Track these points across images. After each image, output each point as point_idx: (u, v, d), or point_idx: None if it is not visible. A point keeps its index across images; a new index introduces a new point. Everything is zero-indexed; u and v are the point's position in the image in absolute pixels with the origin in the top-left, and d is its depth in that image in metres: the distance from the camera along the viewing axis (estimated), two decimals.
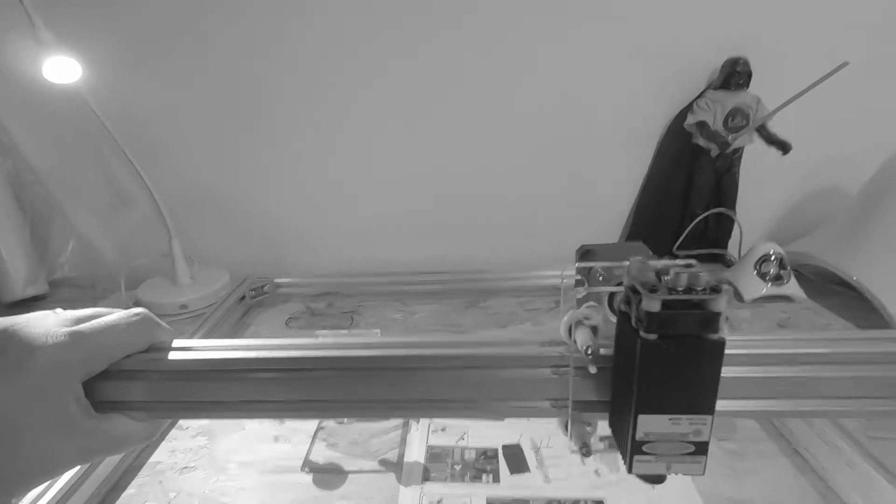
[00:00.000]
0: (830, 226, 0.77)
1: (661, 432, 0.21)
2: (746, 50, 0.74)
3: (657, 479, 0.24)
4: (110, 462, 0.44)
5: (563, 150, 0.80)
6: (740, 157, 0.79)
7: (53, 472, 0.23)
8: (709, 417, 0.21)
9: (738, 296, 0.72)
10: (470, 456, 0.45)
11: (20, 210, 0.77)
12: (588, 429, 0.26)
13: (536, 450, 0.46)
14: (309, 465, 0.45)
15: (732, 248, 0.83)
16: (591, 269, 0.27)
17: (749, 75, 0.73)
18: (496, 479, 0.42)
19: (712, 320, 0.20)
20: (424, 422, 0.49)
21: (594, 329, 0.23)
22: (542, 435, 0.47)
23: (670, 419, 0.21)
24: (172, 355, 0.26)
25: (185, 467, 0.46)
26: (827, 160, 0.83)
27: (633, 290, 0.21)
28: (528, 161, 0.81)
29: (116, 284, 0.77)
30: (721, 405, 0.22)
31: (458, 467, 0.44)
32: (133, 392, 0.25)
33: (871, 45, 0.73)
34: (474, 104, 0.77)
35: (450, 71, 0.75)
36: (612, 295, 0.25)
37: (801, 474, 0.42)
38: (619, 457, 0.43)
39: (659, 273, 0.21)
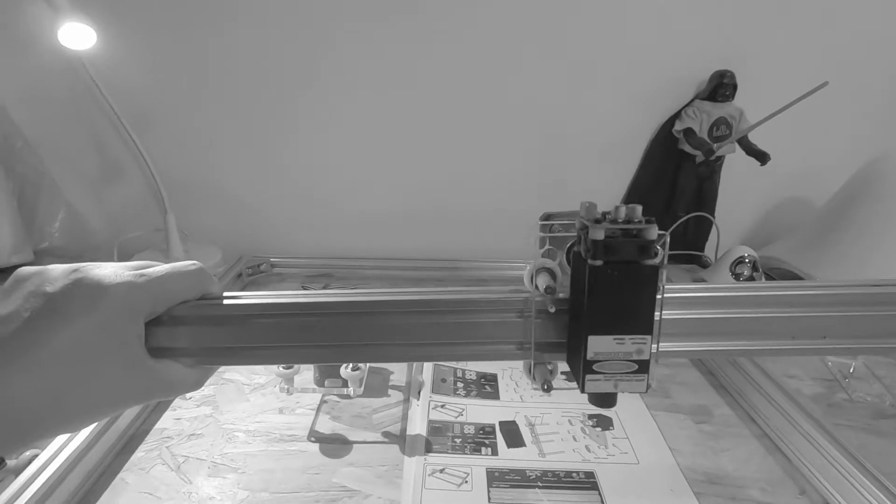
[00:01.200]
0: (799, 233, 0.83)
1: (608, 351, 0.24)
2: (733, 63, 0.78)
3: (608, 402, 0.27)
4: (117, 426, 0.45)
5: (552, 150, 0.84)
6: (721, 164, 0.84)
7: (116, 407, 0.24)
8: (648, 337, 0.24)
9: None
10: (469, 430, 0.48)
11: (8, 176, 0.75)
12: (548, 367, 0.28)
13: (531, 426, 0.49)
14: (314, 435, 0.47)
15: (709, 251, 0.88)
16: (551, 225, 0.30)
17: (734, 87, 0.78)
18: (494, 452, 0.45)
19: (647, 247, 0.23)
20: (425, 398, 0.51)
21: (552, 273, 0.27)
22: (536, 413, 0.51)
23: (615, 339, 0.24)
24: (226, 302, 0.27)
25: (192, 434, 0.47)
26: (798, 172, 0.89)
27: (583, 227, 0.24)
28: (516, 161, 0.83)
29: (104, 256, 0.76)
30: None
31: (458, 440, 0.47)
32: (185, 338, 0.26)
33: (844, 67, 0.79)
34: (465, 104, 0.79)
35: (445, 70, 0.77)
36: (569, 250, 0.29)
37: (768, 454, 0.46)
38: (608, 435, 0.47)
39: (604, 213, 0.25)
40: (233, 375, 0.55)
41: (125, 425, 0.46)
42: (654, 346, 0.25)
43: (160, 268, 0.26)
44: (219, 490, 0.41)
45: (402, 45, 0.75)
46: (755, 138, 0.79)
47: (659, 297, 0.24)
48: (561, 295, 0.27)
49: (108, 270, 0.24)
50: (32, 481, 0.37)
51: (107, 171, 0.81)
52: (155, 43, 0.74)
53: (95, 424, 0.43)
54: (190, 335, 0.26)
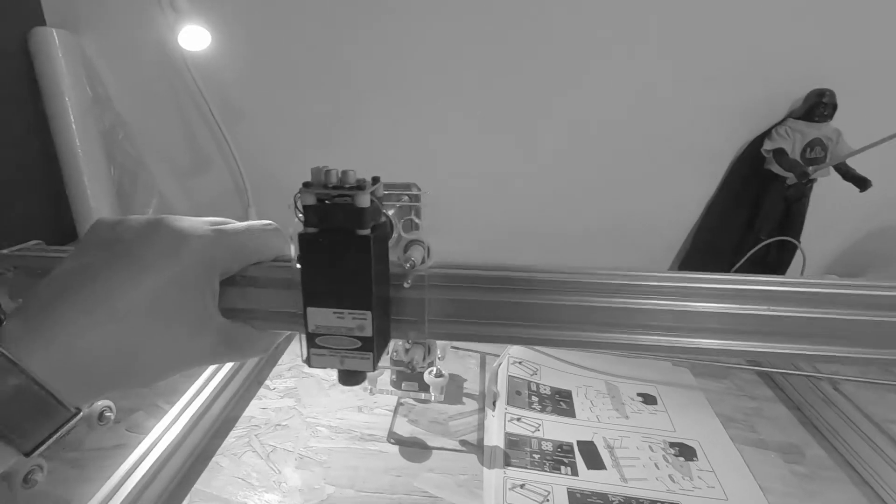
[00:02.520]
0: (893, 265, 0.78)
1: (330, 325, 0.23)
2: (833, 82, 0.74)
3: (352, 380, 0.25)
4: (213, 411, 0.47)
5: (629, 163, 0.81)
6: (812, 187, 0.79)
7: (188, 363, 0.24)
8: (368, 313, 0.23)
9: None
10: (547, 447, 0.47)
11: (110, 165, 0.80)
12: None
13: (611, 449, 0.48)
14: (394, 437, 0.48)
15: (790, 277, 0.84)
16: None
17: (834, 107, 0.73)
18: (574, 473, 0.45)
19: (357, 214, 0.22)
20: (500, 410, 0.51)
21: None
22: (614, 435, 0.50)
23: (335, 313, 0.23)
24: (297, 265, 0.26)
25: (278, 425, 0.49)
26: (893, 201, 0.83)
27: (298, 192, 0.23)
28: (586, 172, 0.82)
29: None
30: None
31: (536, 456, 0.46)
32: (256, 300, 0.26)
33: None
34: (534, 113, 0.78)
35: (517, 79, 0.76)
36: None
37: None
38: (692, 466, 0.45)
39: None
40: (313, 370, 0.57)
41: (219, 411, 0.48)
42: (424, 325, 0.24)
43: (238, 224, 0.25)
44: (306, 483, 0.42)
45: (490, 51, 0.75)
46: (853, 162, 0.74)
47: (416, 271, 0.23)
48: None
49: (188, 223, 0.23)
50: (141, 461, 0.39)
51: (197, 163, 0.85)
52: (253, 42, 0.77)
53: (195, 408, 0.45)
54: (261, 297, 0.26)
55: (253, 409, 0.51)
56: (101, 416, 0.29)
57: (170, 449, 0.41)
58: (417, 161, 0.84)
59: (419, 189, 0.29)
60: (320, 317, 0.23)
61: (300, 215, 0.23)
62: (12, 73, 0.73)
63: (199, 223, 0.24)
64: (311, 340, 0.24)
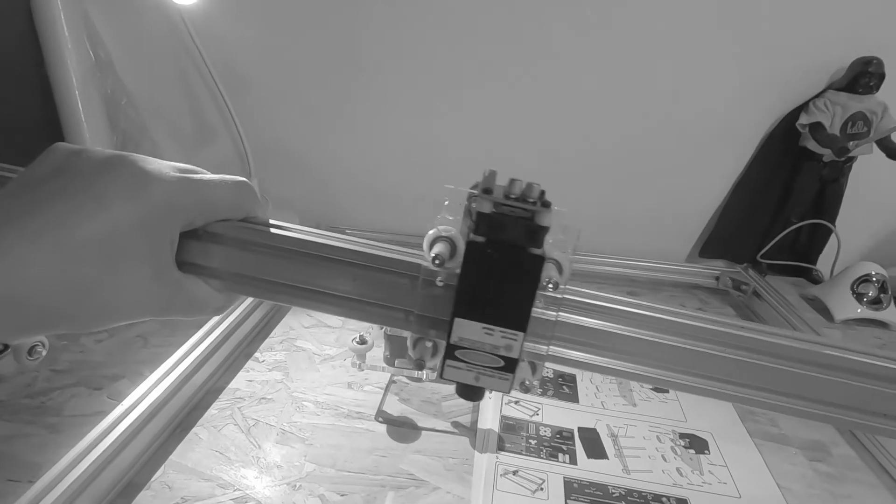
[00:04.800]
0: None
1: (474, 339, 0.22)
2: (881, 50, 0.67)
3: (473, 395, 0.24)
4: (195, 382, 0.45)
5: (652, 141, 0.76)
6: (851, 166, 0.73)
7: (135, 313, 0.22)
8: (520, 335, 0.22)
9: (827, 314, 0.68)
10: (545, 433, 0.44)
11: (112, 131, 0.79)
12: (428, 345, 0.25)
13: (614, 437, 0.44)
14: (382, 416, 0.46)
15: (821, 264, 0.78)
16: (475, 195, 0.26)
17: (882, 78, 0.67)
18: (573, 461, 0.41)
19: (536, 232, 0.21)
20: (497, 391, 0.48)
21: (451, 243, 0.23)
22: (619, 423, 0.46)
23: (484, 328, 0.22)
24: (270, 231, 0.25)
25: (263, 398, 0.47)
26: None
27: (473, 197, 0.21)
28: (613, 151, 0.77)
29: None
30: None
31: (533, 442, 0.43)
32: (217, 258, 0.24)
33: None
34: (562, 87, 0.73)
35: (546, 53, 0.71)
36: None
37: None
38: (703, 459, 0.42)
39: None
40: (304, 344, 0.55)
41: (202, 381, 0.46)
42: (546, 348, 0.23)
43: (209, 175, 0.23)
44: (286, 459, 0.40)
45: (485, 28, 0.71)
46: None
47: (550, 293, 0.22)
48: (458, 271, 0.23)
49: (154, 165, 0.21)
50: (113, 428, 0.37)
51: (200, 131, 0.83)
52: (256, 8, 0.74)
53: (174, 377, 0.43)
54: (223, 256, 0.24)
55: (239, 381, 0.49)
56: (31, 350, 0.27)
57: (144, 417, 0.39)
58: (425, 144, 0.80)
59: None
60: (467, 329, 0.22)
61: (469, 222, 0.22)
62: (16, 36, 0.71)
63: (166, 167, 0.22)
64: (451, 352, 0.23)
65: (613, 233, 0.82)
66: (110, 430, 0.37)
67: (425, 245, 0.23)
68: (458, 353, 0.22)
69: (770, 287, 0.70)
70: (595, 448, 0.43)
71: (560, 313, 0.24)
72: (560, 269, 0.23)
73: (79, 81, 0.74)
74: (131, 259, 0.20)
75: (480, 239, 0.21)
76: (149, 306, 0.22)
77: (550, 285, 0.22)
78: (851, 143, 0.67)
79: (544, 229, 0.21)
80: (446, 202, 0.23)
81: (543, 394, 0.49)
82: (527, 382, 0.25)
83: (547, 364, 0.25)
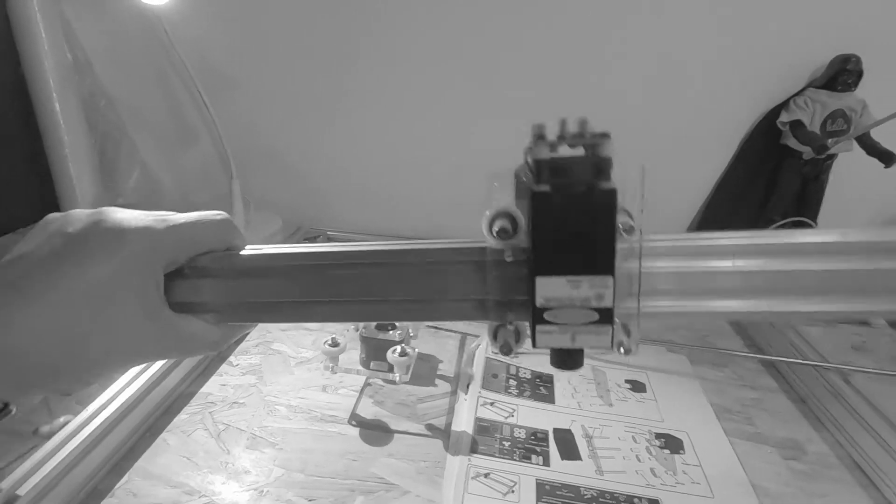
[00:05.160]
0: None
1: (562, 297, 0.20)
2: (859, 48, 0.67)
3: (572, 364, 0.22)
4: (164, 385, 0.45)
5: (635, 135, 0.76)
6: (832, 163, 0.73)
7: (132, 358, 0.23)
8: (609, 279, 0.20)
9: None
10: (519, 434, 0.44)
11: (91, 133, 0.78)
12: (510, 327, 0.23)
13: (589, 438, 0.44)
14: (356, 419, 0.45)
15: None
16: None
17: (860, 75, 0.67)
18: (546, 463, 0.41)
19: (601, 165, 0.19)
20: (473, 393, 0.48)
21: (512, 217, 0.22)
22: (594, 424, 0.46)
23: (569, 281, 0.20)
24: (248, 253, 0.25)
25: (235, 402, 0.46)
26: None
27: (528, 148, 0.20)
28: None
29: None
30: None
31: (507, 444, 0.43)
32: (207, 292, 0.24)
33: None
34: (550, 85, 0.73)
35: (520, 48, 0.71)
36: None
37: None
38: (677, 459, 0.41)
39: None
40: (280, 347, 0.54)
41: (172, 385, 0.46)
42: (636, 304, 0.21)
43: (183, 215, 0.24)
44: (255, 464, 0.40)
45: (473, 21, 0.70)
46: (878, 135, 0.68)
47: (634, 242, 0.21)
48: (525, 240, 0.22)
49: (130, 214, 0.23)
50: (78, 432, 0.37)
51: (181, 133, 0.83)
52: (232, 9, 0.74)
53: (143, 381, 0.43)
54: (212, 289, 0.24)
55: (212, 385, 0.48)
56: (4, 408, 0.27)
57: (109, 423, 0.38)
58: (412, 143, 0.80)
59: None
60: (551, 287, 0.20)
61: (528, 173, 0.21)
62: None
63: (141, 214, 0.23)
64: (539, 316, 0.21)
65: None
66: (73, 436, 0.37)
67: (484, 227, 0.22)
68: (546, 316, 0.21)
69: None
70: (569, 449, 0.43)
71: (643, 263, 0.22)
72: (630, 215, 0.22)
73: (56, 83, 0.73)
74: (116, 310, 0.21)
75: (545, 188, 0.20)
76: (145, 350, 0.23)
77: (624, 232, 0.21)
78: (831, 140, 0.67)
79: (609, 160, 0.20)
80: (496, 183, 0.22)
81: (520, 394, 0.49)
82: (624, 343, 0.24)
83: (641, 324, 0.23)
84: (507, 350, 0.23)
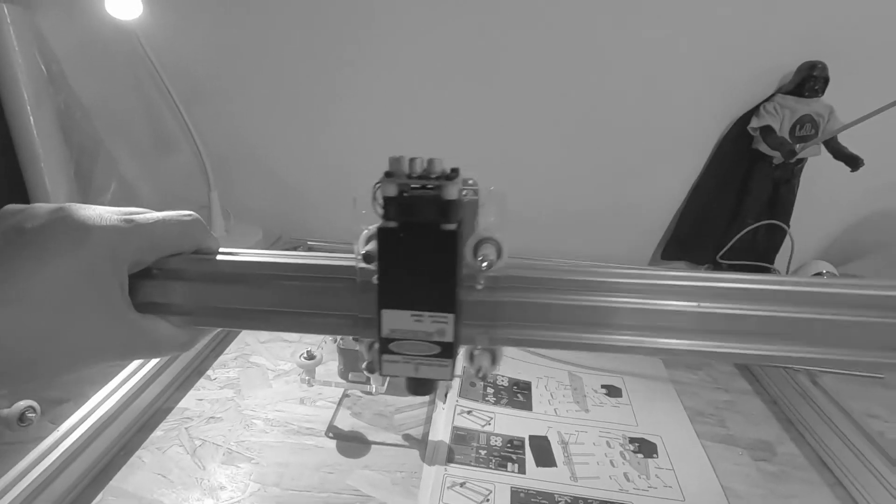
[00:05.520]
0: (887, 251, 0.74)
1: (406, 329, 0.21)
2: (825, 55, 0.69)
3: (424, 390, 0.24)
4: (140, 402, 0.44)
5: (609, 144, 0.77)
6: (802, 167, 0.75)
7: (94, 359, 0.22)
8: (450, 316, 0.21)
9: None
10: (496, 442, 0.44)
11: (67, 145, 0.77)
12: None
13: (564, 445, 0.45)
14: (333, 431, 0.45)
15: (779, 263, 0.80)
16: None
17: (826, 81, 0.69)
18: (521, 470, 0.42)
19: (445, 208, 0.20)
20: (451, 402, 0.48)
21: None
22: (570, 430, 0.46)
23: (413, 316, 0.21)
24: (220, 258, 0.25)
25: (212, 417, 0.46)
26: (891, 182, 0.78)
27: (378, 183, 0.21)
28: (570, 155, 0.78)
29: None
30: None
31: (483, 452, 0.43)
32: (174, 294, 0.24)
33: None
34: (517, 92, 0.74)
35: (498, 54, 0.72)
36: None
37: None
38: (650, 464, 0.42)
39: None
40: (259, 359, 0.54)
41: (148, 402, 0.45)
42: (489, 331, 0.23)
43: (151, 214, 0.23)
44: (230, 479, 0.40)
45: (454, 27, 0.71)
46: (845, 140, 0.69)
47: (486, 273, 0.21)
48: None
49: (94, 212, 0.22)
50: (50, 452, 0.37)
51: (158, 144, 0.82)
52: (208, 17, 0.74)
53: (118, 398, 0.42)
54: (180, 291, 0.24)
55: (189, 400, 0.48)
56: (22, 416, 0.27)
57: (82, 441, 0.38)
58: (395, 149, 0.80)
59: (476, 184, 0.26)
60: (397, 319, 0.21)
61: (379, 209, 0.21)
62: None
63: (106, 212, 0.22)
64: (385, 346, 0.22)
65: (576, 238, 0.83)
66: (44, 457, 0.36)
67: (359, 244, 0.23)
68: (392, 347, 0.22)
69: None
70: (544, 456, 0.43)
71: (503, 293, 0.24)
72: (499, 249, 0.23)
73: (31, 97, 0.73)
74: (81, 306, 0.21)
75: (392, 224, 0.20)
76: (108, 350, 0.23)
77: (485, 264, 0.22)
78: (799, 145, 0.69)
79: (452, 203, 0.20)
80: (371, 199, 0.22)
81: (497, 402, 0.49)
82: (483, 369, 0.25)
83: (503, 350, 0.24)
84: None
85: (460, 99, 0.75)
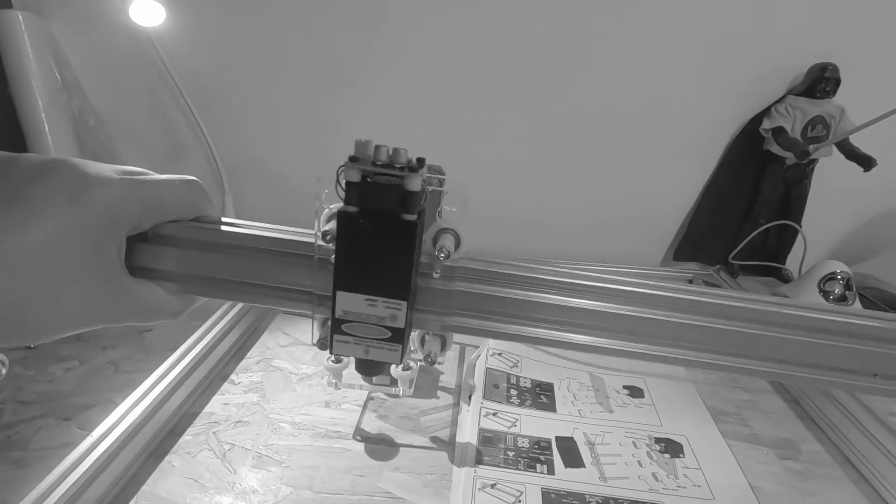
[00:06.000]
0: None
1: (359, 312, 0.22)
2: (836, 56, 0.70)
3: (371, 369, 0.25)
4: (168, 407, 0.44)
5: (621, 144, 0.78)
6: (813, 168, 0.76)
7: (84, 322, 0.21)
8: (404, 304, 0.21)
9: None
10: (523, 444, 0.44)
11: (80, 152, 0.78)
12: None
13: (591, 445, 0.45)
14: (360, 434, 0.45)
15: (791, 264, 0.80)
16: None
17: (837, 83, 0.69)
18: (551, 471, 0.42)
19: (407, 198, 0.20)
20: (476, 404, 0.48)
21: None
22: (596, 431, 0.47)
23: (367, 300, 0.22)
24: (223, 228, 0.25)
25: (239, 421, 0.46)
26: None
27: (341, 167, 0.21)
28: (581, 155, 0.78)
29: None
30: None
31: (511, 453, 0.43)
32: (170, 261, 0.24)
33: None
34: (528, 95, 0.74)
35: (510, 57, 0.72)
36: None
37: None
38: (678, 463, 0.42)
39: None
40: (281, 363, 0.54)
41: (176, 406, 0.45)
42: (442, 318, 0.23)
43: (154, 176, 0.22)
44: (262, 483, 0.40)
45: (464, 35, 0.71)
46: (856, 140, 0.70)
47: (443, 262, 0.22)
48: None
49: (94, 168, 0.20)
50: (84, 458, 0.37)
51: (171, 150, 0.83)
52: (220, 26, 0.74)
53: (147, 403, 0.42)
54: (176, 258, 0.24)
55: (215, 404, 0.48)
56: None
57: (115, 447, 0.38)
58: (407, 147, 0.80)
59: (444, 174, 0.27)
60: (350, 302, 0.22)
61: (342, 192, 0.21)
62: None
63: (107, 170, 0.21)
64: (337, 326, 0.22)
65: (588, 240, 0.83)
66: (79, 463, 0.36)
67: (320, 223, 0.24)
68: (344, 328, 0.22)
69: (742, 287, 0.71)
70: (572, 457, 0.43)
71: (457, 283, 0.24)
72: (457, 240, 0.24)
73: (45, 103, 0.73)
74: (74, 267, 0.20)
75: (352, 209, 0.21)
76: (99, 314, 0.22)
77: (442, 254, 0.23)
78: (812, 146, 0.69)
79: (415, 194, 0.20)
80: (334, 182, 0.23)
81: (521, 404, 0.49)
82: (431, 356, 0.26)
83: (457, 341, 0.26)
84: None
85: (472, 107, 0.76)
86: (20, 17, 0.71)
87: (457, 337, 0.61)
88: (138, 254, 0.23)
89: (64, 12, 0.74)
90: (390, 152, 0.21)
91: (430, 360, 0.26)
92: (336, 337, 0.22)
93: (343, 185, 0.21)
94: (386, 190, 0.20)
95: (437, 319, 0.25)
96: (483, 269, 0.25)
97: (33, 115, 0.73)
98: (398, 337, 0.22)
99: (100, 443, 0.38)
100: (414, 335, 0.26)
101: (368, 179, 0.20)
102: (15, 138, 0.73)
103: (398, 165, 0.20)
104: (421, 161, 0.21)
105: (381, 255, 0.21)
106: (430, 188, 0.24)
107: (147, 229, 0.23)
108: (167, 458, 0.42)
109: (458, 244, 0.24)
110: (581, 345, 0.26)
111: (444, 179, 0.26)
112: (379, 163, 0.20)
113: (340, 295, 0.21)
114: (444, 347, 0.26)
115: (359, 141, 0.21)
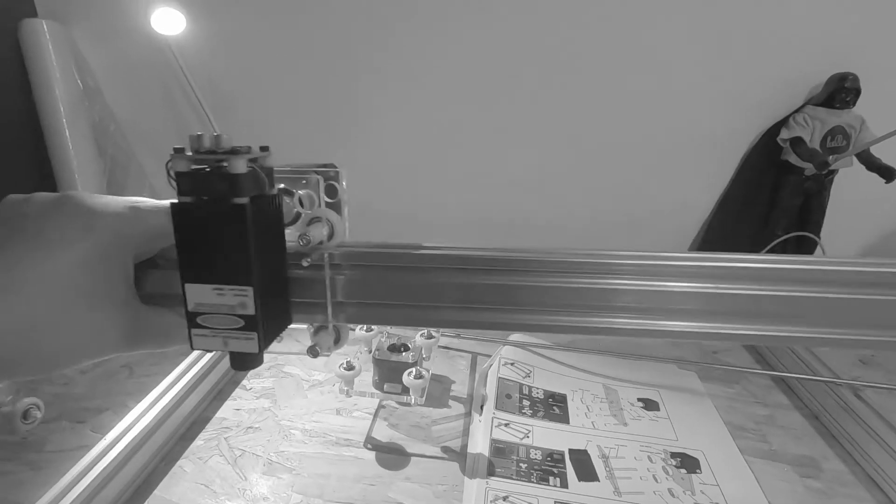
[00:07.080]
0: None
1: (211, 303, 0.22)
2: (855, 66, 0.69)
3: (244, 364, 0.23)
4: (181, 411, 0.45)
5: (638, 157, 0.77)
6: (832, 179, 0.74)
7: (101, 351, 0.22)
8: (249, 289, 0.21)
9: None
10: (536, 456, 0.44)
11: (100, 158, 0.79)
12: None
13: (605, 459, 0.44)
14: (371, 442, 0.45)
15: None
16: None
17: (857, 93, 0.68)
18: (564, 484, 0.41)
19: (234, 182, 0.20)
20: (488, 414, 0.48)
21: None
22: (610, 444, 0.46)
23: (215, 290, 0.21)
24: None
25: (250, 427, 0.46)
26: None
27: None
28: (598, 163, 0.78)
29: None
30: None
31: (523, 465, 0.43)
32: (180, 284, 0.24)
33: None
34: (542, 102, 0.74)
35: (522, 65, 0.72)
36: None
37: None
38: (695, 479, 0.41)
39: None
40: (292, 370, 0.54)
41: (188, 411, 0.46)
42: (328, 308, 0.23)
43: (159, 203, 0.23)
44: (272, 490, 0.40)
45: (480, 42, 0.72)
46: (878, 151, 0.69)
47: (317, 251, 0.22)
48: None
49: (99, 200, 0.22)
50: (98, 461, 0.37)
51: None
52: (242, 32, 0.75)
53: (160, 408, 0.43)
54: None
55: (226, 410, 0.48)
56: (25, 414, 0.27)
57: (128, 451, 0.38)
58: (420, 152, 0.81)
59: (336, 168, 0.26)
60: (200, 294, 0.22)
61: (174, 183, 0.21)
62: (2, 64, 0.72)
63: (111, 200, 0.22)
64: (192, 320, 0.22)
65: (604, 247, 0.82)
66: (92, 466, 0.37)
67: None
68: (199, 320, 0.22)
69: None
70: (586, 470, 0.43)
71: (336, 273, 0.24)
72: (331, 229, 0.24)
73: (66, 110, 0.75)
74: (83, 297, 0.20)
75: (186, 199, 0.20)
76: (115, 342, 0.22)
77: (301, 241, 0.23)
78: (831, 156, 0.68)
79: (240, 177, 0.20)
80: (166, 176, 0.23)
81: (534, 415, 0.49)
82: (319, 346, 0.26)
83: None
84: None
85: (490, 113, 0.76)
86: (44, 25, 0.73)
87: (467, 345, 0.61)
88: (148, 281, 0.24)
89: (87, 21, 0.76)
90: (212, 139, 0.21)
91: (312, 353, 0.26)
92: (194, 331, 0.22)
93: (174, 177, 0.21)
94: (213, 176, 0.20)
95: (318, 310, 0.25)
96: (359, 251, 0.25)
97: (55, 121, 0.75)
98: (252, 325, 0.22)
99: (113, 446, 0.38)
100: (308, 328, 0.26)
101: (195, 167, 0.21)
102: (37, 143, 0.75)
103: (221, 150, 0.20)
104: (263, 148, 0.22)
105: (218, 241, 0.21)
106: (303, 181, 0.25)
107: (153, 255, 0.24)
108: (179, 462, 0.42)
109: (332, 233, 0.24)
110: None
111: (329, 172, 0.26)
112: (203, 150, 0.20)
113: (189, 287, 0.21)
114: (338, 341, 0.26)
115: (191, 135, 0.21)
